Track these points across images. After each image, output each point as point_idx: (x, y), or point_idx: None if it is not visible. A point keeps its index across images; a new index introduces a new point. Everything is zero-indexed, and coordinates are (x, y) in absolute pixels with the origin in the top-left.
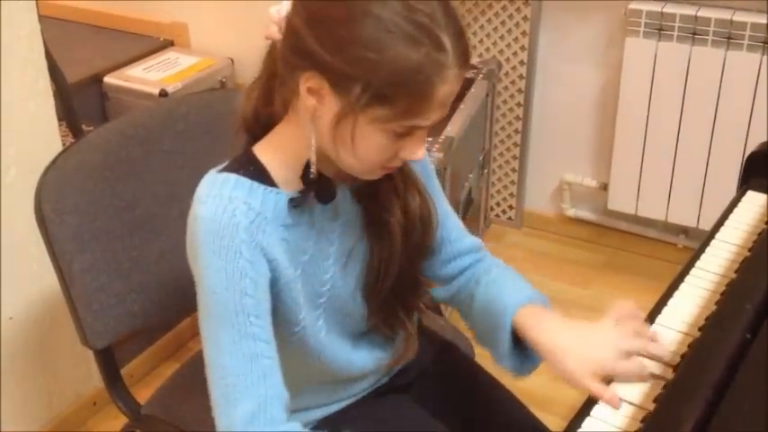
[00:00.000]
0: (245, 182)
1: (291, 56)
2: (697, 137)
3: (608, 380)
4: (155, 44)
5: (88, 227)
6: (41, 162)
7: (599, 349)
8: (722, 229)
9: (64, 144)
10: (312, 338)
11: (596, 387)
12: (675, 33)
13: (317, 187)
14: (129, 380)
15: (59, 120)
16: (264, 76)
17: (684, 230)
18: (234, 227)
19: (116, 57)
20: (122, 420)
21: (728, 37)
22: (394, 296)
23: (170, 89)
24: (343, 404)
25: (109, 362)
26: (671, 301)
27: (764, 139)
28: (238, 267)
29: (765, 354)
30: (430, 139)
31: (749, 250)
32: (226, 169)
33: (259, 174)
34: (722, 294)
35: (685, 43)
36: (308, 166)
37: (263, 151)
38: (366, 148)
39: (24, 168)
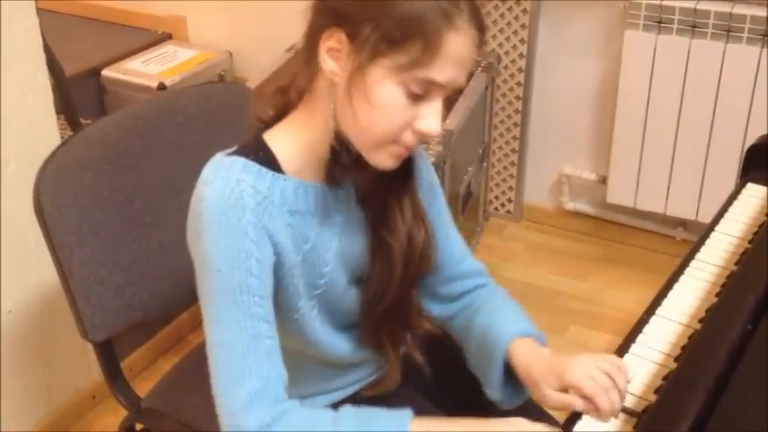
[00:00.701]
0: (254, 166)
1: (314, 20)
2: (696, 130)
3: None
4: (153, 37)
5: (87, 220)
6: (40, 156)
7: (565, 364)
8: (722, 221)
9: (62, 137)
10: (308, 326)
11: (558, 399)
12: (675, 26)
13: (333, 169)
14: (129, 373)
15: (58, 113)
16: (281, 71)
17: (683, 223)
18: (241, 208)
19: (114, 50)
20: (122, 414)
21: (728, 30)
22: (389, 314)
23: (168, 82)
24: (345, 393)
25: (108, 355)
26: (671, 293)
27: (764, 132)
28: (244, 247)
29: (767, 345)
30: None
31: (749, 242)
32: (234, 153)
33: (267, 160)
34: (723, 286)
35: (685, 36)
36: (333, 152)
37: (274, 138)
38: (382, 107)
39: (23, 162)
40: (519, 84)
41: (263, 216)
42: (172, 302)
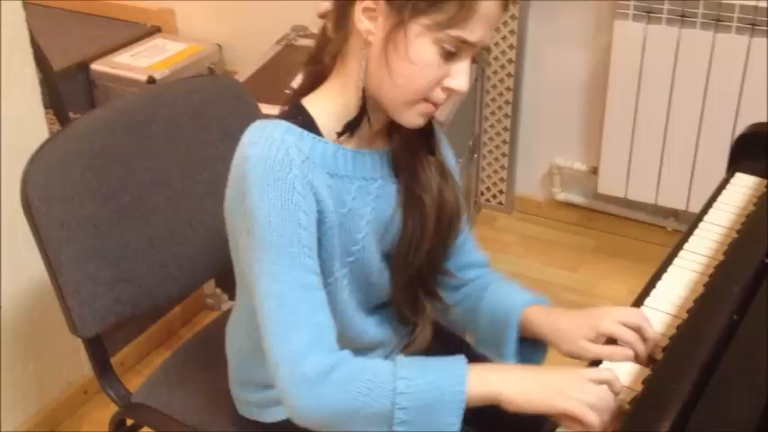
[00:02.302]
0: (295, 129)
1: None
2: (686, 119)
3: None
4: (142, 30)
5: (75, 215)
6: (28, 151)
7: (593, 316)
8: (710, 211)
9: (51, 132)
10: (338, 295)
11: (596, 350)
12: (664, 16)
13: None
14: (120, 368)
15: (46, 108)
16: (315, 44)
17: (674, 213)
18: (288, 163)
19: (103, 43)
20: (113, 408)
21: (717, 19)
22: (418, 278)
23: (158, 76)
24: None
25: (98, 350)
26: (659, 284)
27: (753, 121)
28: (293, 200)
29: (752, 335)
30: None
31: (737, 232)
32: (275, 118)
33: (307, 124)
34: (710, 276)
35: (674, 26)
36: (362, 109)
37: (311, 103)
38: (418, 64)
39: (11, 157)
40: (509, 75)
41: (308, 173)
42: (161, 297)
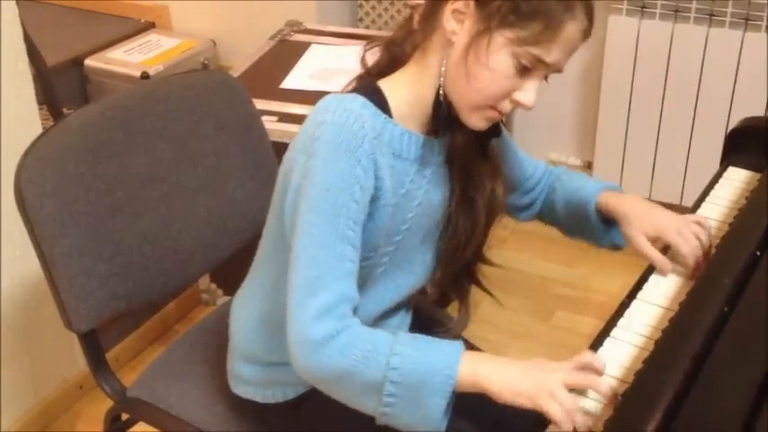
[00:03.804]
0: (371, 105)
1: None
2: (680, 114)
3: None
4: (136, 26)
5: (69, 210)
6: (22, 147)
7: (661, 218)
8: (703, 204)
9: (44, 128)
10: (372, 271)
11: (647, 250)
12: (658, 11)
13: (435, 120)
14: (115, 363)
15: (40, 104)
16: (398, 29)
17: (668, 208)
18: (361, 136)
19: (97, 39)
20: (109, 404)
21: (710, 14)
22: (464, 267)
23: (152, 71)
24: None
25: (93, 345)
26: (652, 277)
27: (747, 116)
28: (355, 173)
29: (743, 327)
30: None
31: (729, 226)
32: (351, 92)
33: (380, 104)
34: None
35: (668, 21)
36: (437, 104)
37: (387, 86)
38: (493, 73)
39: (5, 153)
40: None
41: (376, 150)
42: (156, 292)
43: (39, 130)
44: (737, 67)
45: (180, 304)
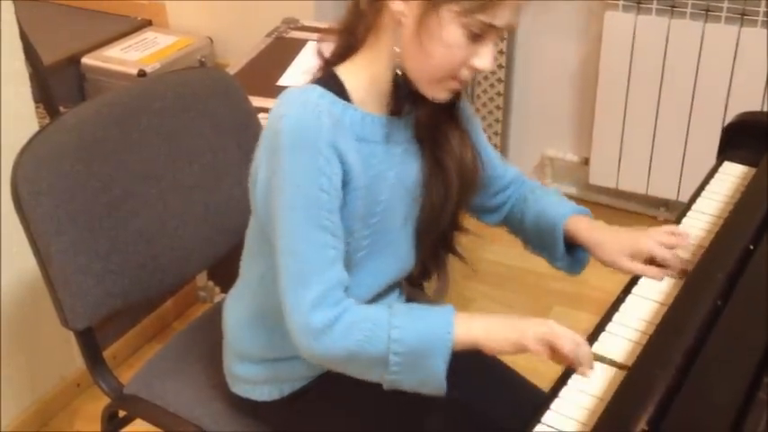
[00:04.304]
0: (328, 94)
1: None
2: (676, 109)
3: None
4: (132, 24)
5: (65, 208)
6: (18, 145)
7: (635, 236)
8: (699, 199)
9: (41, 127)
10: (354, 256)
11: (634, 266)
12: (654, 6)
13: (395, 99)
14: (113, 361)
15: (36, 102)
16: (348, 15)
17: (665, 203)
18: (318, 127)
19: (93, 37)
20: (107, 401)
21: (707, 9)
22: (440, 237)
23: (148, 69)
24: None
25: (90, 343)
26: None
27: (743, 111)
28: (317, 164)
29: (736, 321)
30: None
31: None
32: (309, 83)
33: (339, 91)
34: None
35: (664, 16)
36: (396, 83)
37: (344, 71)
38: (448, 46)
39: (1, 151)
40: (500, 66)
41: (337, 137)
42: (152, 289)
43: (35, 128)
44: (734, 63)
45: (177, 302)
